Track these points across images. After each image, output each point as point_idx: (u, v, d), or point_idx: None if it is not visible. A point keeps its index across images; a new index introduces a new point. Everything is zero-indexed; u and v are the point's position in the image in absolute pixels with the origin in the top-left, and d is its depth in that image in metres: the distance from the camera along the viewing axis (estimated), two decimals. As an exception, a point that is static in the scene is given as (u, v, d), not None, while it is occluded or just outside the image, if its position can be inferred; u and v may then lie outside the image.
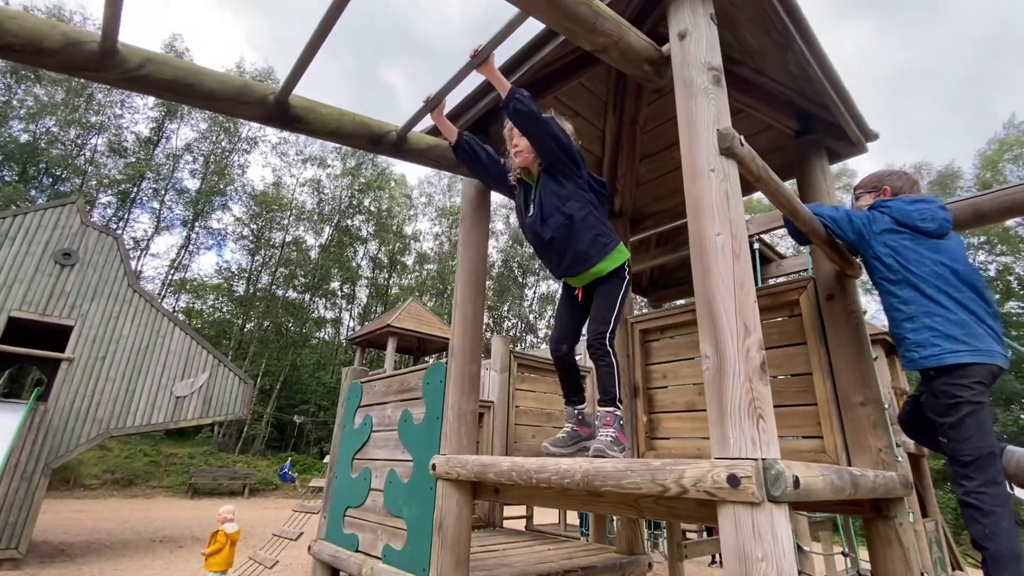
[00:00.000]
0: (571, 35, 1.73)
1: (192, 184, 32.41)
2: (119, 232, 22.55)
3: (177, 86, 1.77)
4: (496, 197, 2.86)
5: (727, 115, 1.62)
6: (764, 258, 5.64)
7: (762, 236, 5.43)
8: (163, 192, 31.03)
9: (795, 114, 2.70)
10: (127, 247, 15.44)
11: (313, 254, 35.62)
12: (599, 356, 2.14)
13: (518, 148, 2.29)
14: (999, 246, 27.75)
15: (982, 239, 27.72)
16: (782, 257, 6.06)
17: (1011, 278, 26.65)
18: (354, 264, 38.05)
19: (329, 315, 37.87)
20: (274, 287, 33.55)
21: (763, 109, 2.70)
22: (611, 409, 2.12)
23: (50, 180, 27.52)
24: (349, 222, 38.26)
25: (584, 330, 2.32)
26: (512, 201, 2.54)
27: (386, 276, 40.38)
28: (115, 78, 1.67)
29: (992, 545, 1.69)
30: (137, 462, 20.47)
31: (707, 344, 1.41)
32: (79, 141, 28.44)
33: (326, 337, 37.61)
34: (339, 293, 37.86)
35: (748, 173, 1.64)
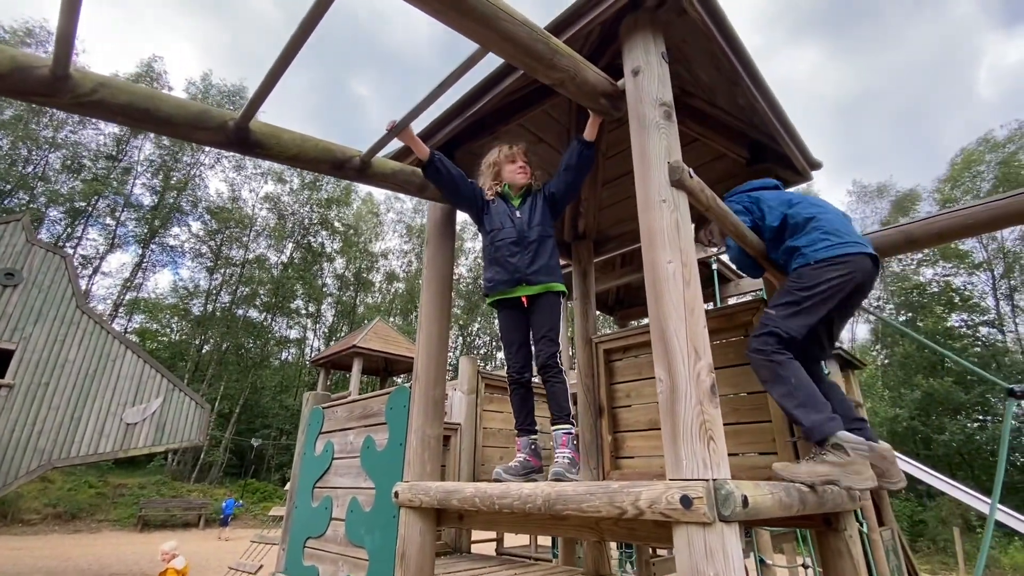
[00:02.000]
0: (530, 70, 1.80)
1: (149, 199, 31.25)
2: (68, 250, 21.53)
3: (132, 111, 1.75)
4: (462, 217, 2.91)
5: (678, 148, 1.71)
6: (722, 278, 5.84)
7: (720, 257, 5.63)
8: (119, 209, 29.77)
9: (746, 144, 2.85)
10: (76, 266, 14.75)
11: (276, 272, 34.68)
12: (553, 375, 2.26)
13: (523, 169, 2.60)
14: (940, 263, 29.38)
15: (926, 254, 29.34)
16: (740, 277, 6.29)
17: (953, 293, 28.22)
18: (319, 282, 37.22)
19: (293, 335, 36.90)
20: (234, 306, 32.46)
21: (716, 139, 2.84)
22: (567, 427, 2.20)
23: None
24: (312, 239, 37.51)
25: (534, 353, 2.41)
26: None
27: (352, 294, 39.65)
28: (67, 103, 1.64)
29: (802, 393, 1.84)
30: (82, 494, 19.27)
31: (661, 368, 1.47)
32: (32, 156, 27.10)
33: (290, 358, 36.57)
34: (304, 312, 36.92)
35: (698, 203, 1.73)
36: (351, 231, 39.51)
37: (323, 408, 3.70)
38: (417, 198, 3.27)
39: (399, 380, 14.59)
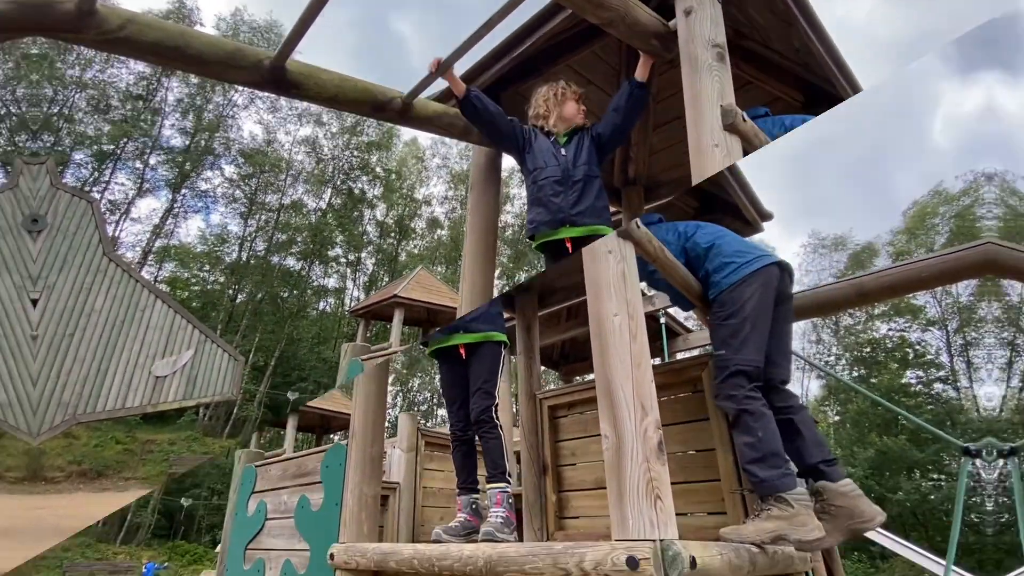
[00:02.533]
0: (578, 9, 1.71)
1: (179, 142, 29.04)
2: (95, 195, 20.65)
3: (162, 49, 1.70)
4: (509, 163, 2.68)
5: (731, 91, 1.61)
6: (671, 332, 5.54)
7: (668, 311, 5.34)
8: (147, 152, 27.65)
9: (801, 87, 2.62)
10: (103, 211, 14.55)
11: (314, 218, 32.17)
12: (488, 430, 2.15)
13: (584, 109, 2.35)
14: (895, 318, 28.08)
15: (880, 308, 27.94)
16: (688, 331, 5.98)
17: (908, 349, 27.26)
18: (359, 229, 34.37)
19: (332, 284, 34.21)
20: (270, 254, 30.32)
21: (770, 82, 2.67)
22: (502, 486, 2.12)
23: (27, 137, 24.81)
24: (353, 184, 34.67)
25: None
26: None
27: (393, 242, 36.36)
28: (93, 39, 1.62)
29: (765, 448, 1.64)
30: (108, 451, 18.48)
31: (606, 424, 1.40)
32: (57, 97, 24.90)
33: (328, 308, 33.97)
34: (343, 260, 34.21)
35: (751, 147, 1.60)
36: (393, 176, 36.37)
37: (256, 466, 3.59)
38: (464, 142, 3.01)
39: (335, 438, 13.85)
